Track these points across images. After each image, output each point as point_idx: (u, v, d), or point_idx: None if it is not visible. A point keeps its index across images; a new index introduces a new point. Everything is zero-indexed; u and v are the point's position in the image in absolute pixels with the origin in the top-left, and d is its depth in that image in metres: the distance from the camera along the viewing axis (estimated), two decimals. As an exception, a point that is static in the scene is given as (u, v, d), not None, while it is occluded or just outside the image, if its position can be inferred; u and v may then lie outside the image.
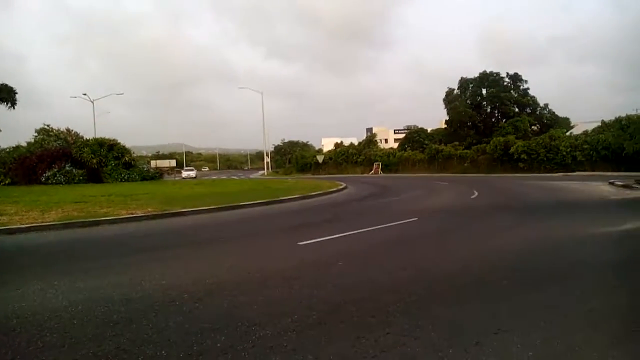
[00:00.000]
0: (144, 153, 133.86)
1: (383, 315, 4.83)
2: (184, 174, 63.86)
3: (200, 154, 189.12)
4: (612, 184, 23.94)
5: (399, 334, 4.31)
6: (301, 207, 17.43)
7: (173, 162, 58.44)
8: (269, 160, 74.70)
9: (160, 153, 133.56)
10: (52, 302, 5.56)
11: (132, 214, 14.02)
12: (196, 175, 64.27)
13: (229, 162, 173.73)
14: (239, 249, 9.02)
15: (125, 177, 39.55)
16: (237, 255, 8.37)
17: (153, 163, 54.55)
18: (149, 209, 15.06)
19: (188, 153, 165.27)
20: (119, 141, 42.43)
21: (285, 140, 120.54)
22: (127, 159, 41.60)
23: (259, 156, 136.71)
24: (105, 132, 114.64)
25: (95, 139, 42.46)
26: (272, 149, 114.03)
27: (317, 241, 9.31)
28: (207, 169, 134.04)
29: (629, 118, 42.65)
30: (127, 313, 5.08)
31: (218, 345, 4.16)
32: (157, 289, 6.03)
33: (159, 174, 45.92)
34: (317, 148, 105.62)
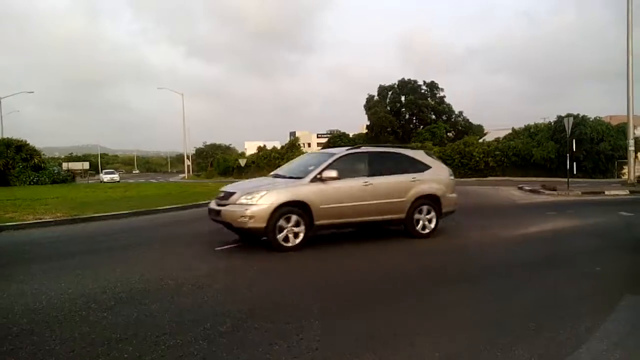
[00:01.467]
0: (57, 154, 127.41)
1: (297, 320, 4.85)
2: (105, 177, 59.22)
3: (117, 156, 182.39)
4: (521, 188, 25.23)
5: (312, 340, 4.35)
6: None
7: (86, 165, 55.55)
8: (189, 163, 73.20)
9: (74, 155, 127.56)
10: (-57, 316, 5.17)
11: (40, 219, 13.30)
12: (119, 178, 60.64)
13: (148, 164, 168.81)
14: (152, 256, 8.75)
15: (35, 180, 37.49)
16: (150, 262, 8.11)
17: (65, 165, 51.74)
18: (58, 214, 14.34)
19: (104, 155, 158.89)
20: (27, 142, 40.14)
21: (207, 143, 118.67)
22: (36, 160, 39.39)
23: (179, 159, 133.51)
24: (14, 132, 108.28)
25: (2, 140, 39.97)
26: (194, 152, 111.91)
27: (234, 246, 9.21)
28: (123, 171, 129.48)
29: (536, 126, 45.19)
30: (29, 324, 4.83)
31: (125, 355, 4.03)
32: (63, 298, 5.76)
33: (71, 177, 43.85)
34: (240, 151, 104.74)
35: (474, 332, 4.54)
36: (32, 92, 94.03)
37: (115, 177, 60.17)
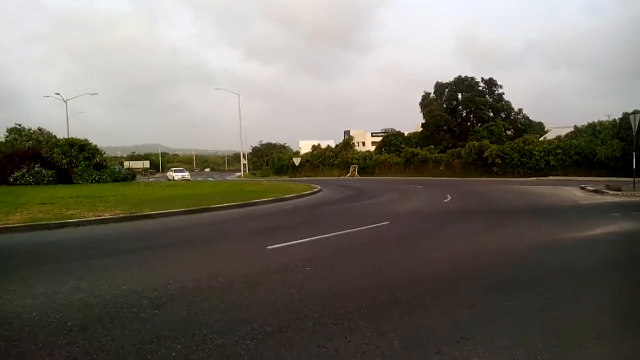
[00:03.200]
0: (119, 154, 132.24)
1: (346, 322, 4.75)
2: (177, 175, 58.44)
3: (177, 155, 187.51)
4: (583, 189, 24.26)
5: (360, 343, 4.24)
6: (274, 210, 17.30)
7: (147, 164, 57.33)
8: (245, 162, 74.37)
9: (136, 154, 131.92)
10: (5, 309, 5.37)
11: (100, 216, 13.74)
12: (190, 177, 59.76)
13: (206, 163, 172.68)
14: (206, 254, 8.85)
15: (97, 179, 38.87)
16: (203, 259, 8.20)
17: (126, 164, 53.56)
18: (118, 212, 14.78)
19: (164, 154, 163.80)
20: (90, 142, 41.65)
21: (263, 143, 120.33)
22: (98, 160, 40.85)
23: (236, 158, 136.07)
24: (80, 132, 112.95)
25: (66, 140, 41.67)
26: (250, 151, 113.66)
27: (287, 245, 9.20)
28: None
29: (601, 124, 43.43)
30: (83, 320, 4.93)
31: (173, 354, 4.04)
32: (117, 294, 5.87)
33: (131, 176, 45.25)
34: (294, 150, 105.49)
35: (530, 340, 4.30)
36: (96, 93, 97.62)
37: (187, 175, 59.68)
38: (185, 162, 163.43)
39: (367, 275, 6.88)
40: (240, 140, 70.64)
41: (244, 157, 77.35)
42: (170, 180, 54.81)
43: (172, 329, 4.61)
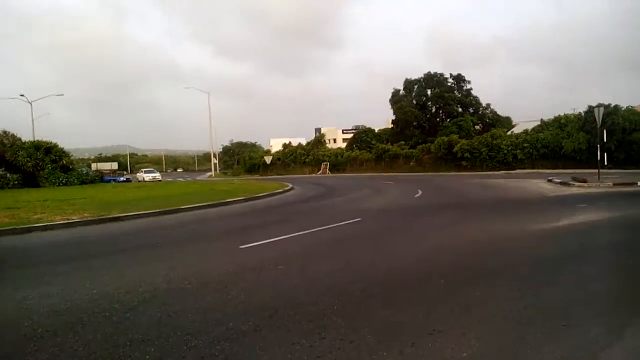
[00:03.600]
0: (87, 155, 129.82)
1: (320, 319, 4.77)
2: (147, 176, 56.16)
3: (145, 155, 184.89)
4: (550, 181, 24.79)
5: (334, 338, 4.26)
6: (246, 209, 17.23)
7: (115, 165, 56.41)
8: (216, 161, 73.83)
9: (104, 155, 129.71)
10: (-29, 317, 5.23)
11: (68, 219, 13.48)
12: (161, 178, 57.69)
13: (176, 163, 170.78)
14: (177, 255, 8.77)
15: (63, 181, 38.08)
16: (175, 261, 8.12)
17: (94, 166, 52.61)
18: (86, 214, 14.53)
19: (133, 155, 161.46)
20: (56, 144, 40.78)
21: (234, 141, 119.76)
22: (65, 162, 40.01)
23: (206, 157, 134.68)
24: (46, 134, 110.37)
25: (32, 142, 40.69)
26: (220, 150, 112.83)
27: (259, 244, 9.17)
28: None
29: (566, 117, 44.36)
30: (53, 326, 4.84)
31: (147, 357, 4.00)
32: (88, 298, 5.78)
33: (99, 178, 44.50)
34: (265, 149, 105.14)
35: (502, 330, 4.39)
36: (62, 94, 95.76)
37: (157, 175, 58.11)
38: (155, 162, 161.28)
39: (340, 272, 6.92)
40: (210, 139, 70.03)
41: (215, 156, 76.72)
42: (140, 181, 53.97)
43: (145, 332, 4.56)
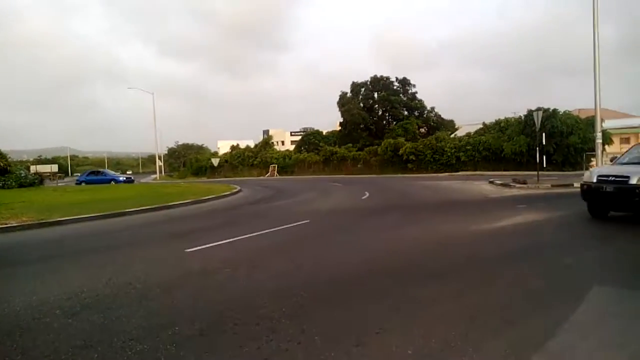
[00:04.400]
0: (25, 157, 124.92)
1: (267, 321, 4.77)
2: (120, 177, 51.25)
3: (87, 157, 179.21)
4: (492, 183, 25.55)
5: (282, 340, 4.27)
6: (192, 212, 16.99)
7: (55, 167, 54.30)
8: (161, 163, 72.43)
9: (43, 157, 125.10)
10: None
11: (5, 224, 12.94)
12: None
13: (119, 165, 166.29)
14: (121, 259, 8.57)
15: (0, 185, 36.49)
16: (118, 265, 7.94)
17: (33, 168, 50.47)
18: (25, 219, 13.97)
19: (74, 157, 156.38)
20: (-8, 145, 39.02)
21: (180, 143, 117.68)
22: (2, 164, 38.29)
23: (151, 159, 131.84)
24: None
25: (-35, 144, 38.83)
26: (166, 152, 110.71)
27: (206, 247, 9.08)
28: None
29: (507, 120, 45.80)
30: (-11, 334, 4.64)
31: (89, 364, 3.90)
32: (27, 305, 5.58)
33: (39, 180, 42.82)
34: (212, 151, 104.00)
35: (445, 328, 4.50)
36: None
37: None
38: (96, 164, 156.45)
39: (288, 274, 6.93)
40: (155, 140, 68.50)
41: (160, 158, 75.31)
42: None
43: (88, 338, 4.45)
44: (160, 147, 76.09)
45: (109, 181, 43.99)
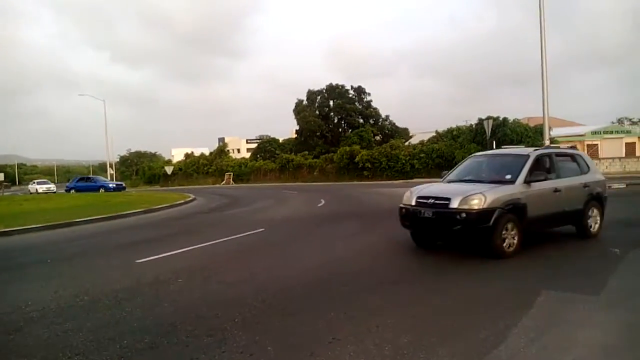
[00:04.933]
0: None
1: (220, 332, 4.71)
2: (40, 187, 53.60)
3: (35, 166, 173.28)
4: (444, 189, 25.96)
5: (234, 352, 4.22)
6: (144, 221, 16.63)
7: (1, 176, 52.35)
8: (113, 172, 70.60)
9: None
10: None
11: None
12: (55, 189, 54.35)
13: (69, 174, 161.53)
14: (68, 271, 8.30)
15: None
16: (66, 277, 7.68)
17: (-24, 178, 48.61)
18: (-34, 230, 13.39)
19: (21, 165, 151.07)
20: None
21: (132, 151, 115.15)
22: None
23: (102, 168, 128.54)
24: None
25: None
26: (117, 160, 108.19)
27: (158, 257, 8.90)
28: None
29: (458, 128, 46.77)
30: None
31: (31, 381, 3.74)
32: (-35, 322, 5.32)
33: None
34: (166, 159, 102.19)
35: (397, 336, 4.53)
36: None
37: (52, 187, 55.24)
38: (45, 173, 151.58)
39: (242, 283, 6.85)
40: (106, 148, 66.60)
41: (111, 166, 73.43)
42: (32, 193, 50.48)
43: (31, 354, 4.29)
44: (111, 154, 74.18)
45: (98, 188, 42.32)
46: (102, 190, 41.85)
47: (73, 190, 43.24)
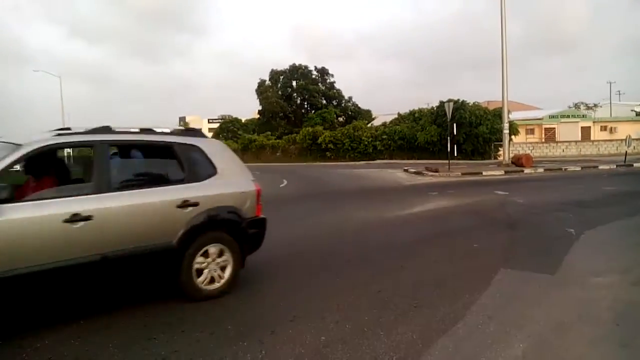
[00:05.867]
0: None
1: (179, 312, 4.65)
2: None
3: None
4: (406, 171, 26.27)
5: (194, 331, 4.17)
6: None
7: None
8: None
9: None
10: None
11: None
12: None
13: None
14: None
15: None
16: None
17: None
18: None
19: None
20: None
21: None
22: None
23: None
24: None
25: None
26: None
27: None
28: None
29: (420, 111, 47.14)
30: None
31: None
32: None
33: None
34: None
35: (358, 314, 4.56)
36: None
37: None
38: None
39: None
40: (63, 126, 65.05)
41: (69, 145, 71.56)
42: None
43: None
44: (68, 133, 72.25)
45: None
46: None
47: None
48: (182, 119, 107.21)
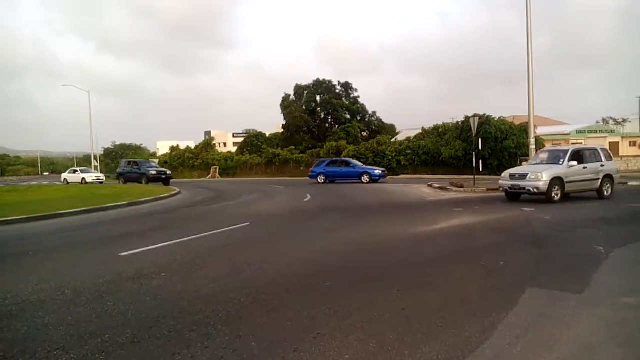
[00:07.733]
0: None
1: (203, 327, 4.65)
2: (89, 176, 47.82)
3: (19, 157, 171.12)
4: (430, 186, 26.09)
5: (218, 347, 4.16)
6: (128, 214, 16.46)
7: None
8: (97, 164, 69.98)
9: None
10: None
11: None
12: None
13: (53, 166, 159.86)
14: (50, 264, 8.17)
15: None
16: (47, 270, 7.56)
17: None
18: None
19: (4, 156, 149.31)
20: None
21: (117, 143, 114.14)
22: None
23: (86, 160, 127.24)
24: None
25: None
26: (102, 153, 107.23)
27: (141, 251, 8.80)
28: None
29: (445, 126, 46.99)
30: None
31: (9, 376, 3.66)
32: (-58, 315, 5.20)
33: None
34: (151, 151, 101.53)
35: (382, 331, 4.51)
36: None
37: (102, 177, 51.21)
38: (29, 164, 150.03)
39: (226, 278, 6.79)
40: (91, 140, 66.10)
41: (95, 158, 72.83)
42: (68, 183, 48.16)
43: (8, 349, 4.19)
44: (96, 147, 73.68)
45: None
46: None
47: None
48: (207, 133, 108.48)
